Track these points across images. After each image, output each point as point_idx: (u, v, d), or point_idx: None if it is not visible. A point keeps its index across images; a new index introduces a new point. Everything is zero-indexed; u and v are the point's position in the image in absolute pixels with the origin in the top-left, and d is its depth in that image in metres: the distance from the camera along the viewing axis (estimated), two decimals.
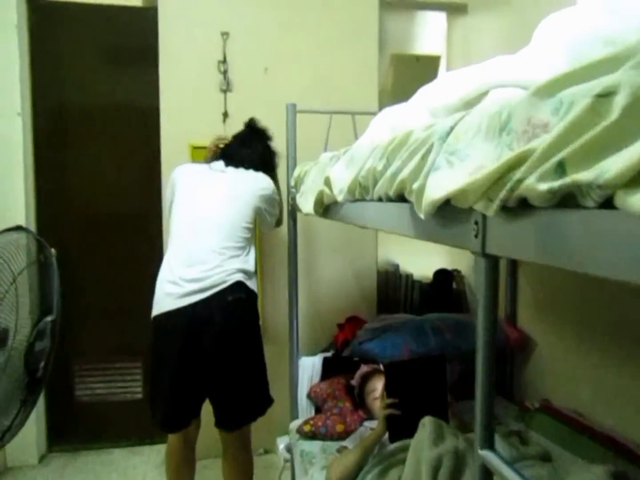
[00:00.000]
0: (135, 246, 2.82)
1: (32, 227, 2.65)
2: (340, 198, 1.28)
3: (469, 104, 1.07)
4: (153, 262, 2.73)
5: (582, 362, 2.05)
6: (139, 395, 2.87)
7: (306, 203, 1.70)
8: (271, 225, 2.23)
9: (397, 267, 2.95)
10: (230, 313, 1.83)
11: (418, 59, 2.87)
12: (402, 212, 0.91)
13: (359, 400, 2.18)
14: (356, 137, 2.40)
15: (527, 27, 2.48)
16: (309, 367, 2.38)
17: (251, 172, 2.12)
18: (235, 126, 2.64)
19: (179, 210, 1.98)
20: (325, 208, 1.52)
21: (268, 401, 2.01)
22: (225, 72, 2.68)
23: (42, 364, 1.40)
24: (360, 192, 1.15)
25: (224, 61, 2.68)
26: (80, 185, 2.79)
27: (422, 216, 0.76)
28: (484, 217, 0.63)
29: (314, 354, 2.59)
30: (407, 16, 2.95)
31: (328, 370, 2.39)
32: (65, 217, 2.79)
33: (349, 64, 2.79)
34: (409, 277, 2.93)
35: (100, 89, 2.77)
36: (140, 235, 2.83)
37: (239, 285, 1.87)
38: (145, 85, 2.72)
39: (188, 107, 2.68)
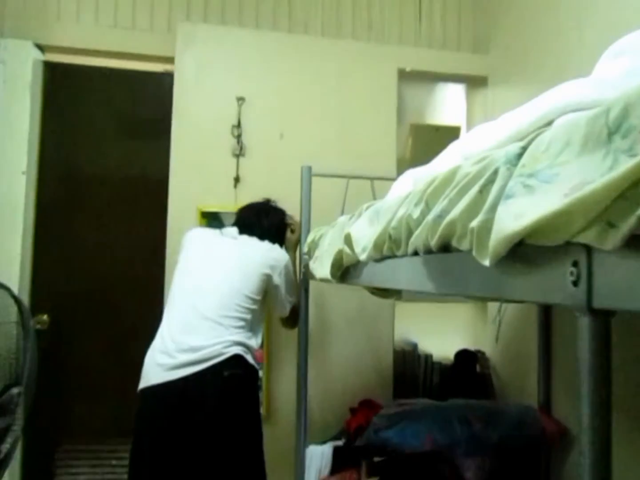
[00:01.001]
0: (136, 318, 2.63)
1: (26, 291, 2.48)
2: (363, 257, 1.11)
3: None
4: (153, 335, 2.56)
5: (632, 464, 1.77)
6: None
7: (321, 267, 1.52)
8: (285, 310, 2.04)
9: (415, 346, 2.72)
10: (225, 391, 1.62)
11: (437, 129, 2.79)
12: (451, 263, 0.73)
13: None
14: None
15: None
16: (318, 457, 2.11)
17: (266, 242, 1.97)
18: (247, 191, 2.54)
19: (179, 276, 1.82)
20: (344, 271, 1.34)
21: None
22: (239, 137, 2.59)
23: (4, 445, 1.19)
24: (390, 246, 0.98)
25: (239, 126, 2.60)
26: (83, 253, 2.65)
27: (486, 262, 0.58)
28: (589, 254, 0.45)
29: (322, 441, 2.32)
30: (427, 87, 2.91)
31: (339, 461, 2.11)
32: (65, 284, 2.62)
33: (366, 133, 2.71)
34: (428, 357, 2.69)
35: (112, 157, 2.70)
36: (143, 305, 2.64)
37: (236, 359, 1.67)
38: (159, 156, 2.63)
39: (198, 172, 2.57)
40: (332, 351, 2.62)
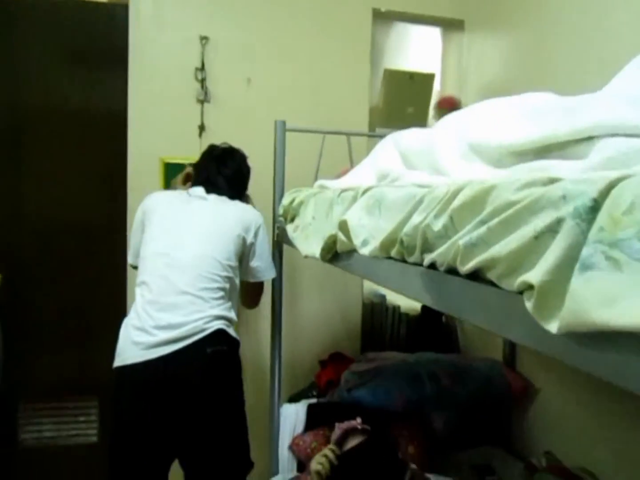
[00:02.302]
0: (97, 265, 2.49)
1: None
2: (364, 251, 1.05)
3: (547, 150, 0.86)
4: (117, 285, 2.44)
5: (596, 417, 1.87)
6: (94, 439, 2.54)
7: (307, 244, 1.46)
8: (257, 277, 1.92)
9: (383, 298, 2.73)
10: (209, 369, 1.56)
11: (412, 76, 2.67)
12: (486, 295, 0.68)
13: None
14: (351, 160, 2.19)
15: (527, 46, 2.34)
16: (292, 415, 2.12)
17: (237, 203, 1.87)
18: (213, 141, 2.38)
19: (150, 246, 1.69)
20: (335, 254, 1.28)
21: (248, 465, 1.74)
22: (203, 81, 2.40)
23: None
24: (400, 251, 0.92)
25: (202, 69, 2.40)
26: (36, 193, 2.43)
27: (551, 328, 0.53)
28: None
29: (294, 396, 2.34)
30: (401, 30, 2.75)
31: (313, 418, 2.14)
32: (16, 230, 2.43)
33: (338, 77, 2.57)
34: (396, 309, 2.71)
35: (61, 89, 2.43)
36: (102, 257, 2.50)
37: (219, 335, 1.60)
38: (112, 89, 2.41)
39: (160, 118, 2.39)
40: (301, 306, 2.61)
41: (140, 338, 1.54)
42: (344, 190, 1.33)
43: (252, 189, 2.20)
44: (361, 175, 1.65)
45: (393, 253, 0.94)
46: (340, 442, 1.89)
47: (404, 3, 2.63)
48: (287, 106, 2.48)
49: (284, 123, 2.02)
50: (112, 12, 2.43)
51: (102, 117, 2.45)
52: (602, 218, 0.50)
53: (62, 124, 2.44)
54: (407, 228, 0.88)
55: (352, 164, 2.14)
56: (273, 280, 2.07)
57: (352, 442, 1.88)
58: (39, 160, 2.42)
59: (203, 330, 1.56)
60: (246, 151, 2.16)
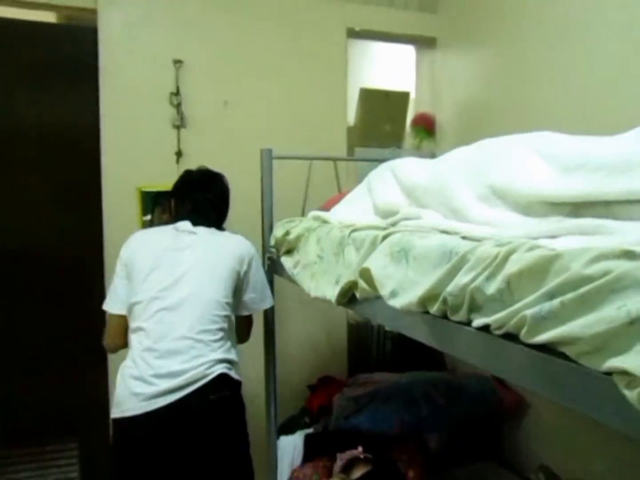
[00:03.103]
0: (71, 295, 2.35)
1: None
2: (395, 304, 1.02)
3: (590, 205, 0.86)
4: (89, 318, 2.32)
5: (591, 429, 1.91)
6: None
7: (315, 284, 1.42)
8: (250, 309, 1.83)
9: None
10: (213, 417, 1.50)
11: (387, 94, 2.68)
12: (563, 370, 0.67)
13: None
14: (339, 186, 2.17)
15: (498, 64, 2.38)
16: (290, 447, 2.09)
17: (226, 234, 1.81)
18: (191, 167, 2.32)
19: (141, 291, 1.58)
20: (351, 298, 1.26)
21: None
22: (178, 106, 2.33)
23: None
24: (442, 309, 0.90)
25: (177, 93, 2.33)
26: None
27: None
28: None
29: (286, 422, 2.29)
30: (377, 49, 2.76)
31: (311, 449, 2.10)
32: None
33: (315, 97, 2.54)
34: (380, 328, 2.71)
35: (26, 111, 2.30)
36: (78, 285, 2.36)
37: (222, 379, 1.53)
38: (82, 112, 2.29)
39: (135, 145, 2.30)
40: (287, 330, 2.56)
41: (139, 389, 1.47)
42: (354, 230, 1.31)
43: (235, 216, 2.15)
44: (359, 208, 1.63)
45: (433, 310, 0.92)
46: (345, 472, 1.87)
47: (378, 22, 2.63)
48: (265, 128, 2.44)
49: (270, 151, 1.98)
50: (80, 34, 2.32)
51: (73, 142, 2.34)
52: None
53: (27, 148, 2.31)
54: (451, 287, 0.86)
55: (339, 189, 2.12)
56: (265, 313, 2.02)
57: (358, 473, 1.87)
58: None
59: (205, 376, 1.50)
60: (227, 176, 2.11)
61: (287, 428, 2.26)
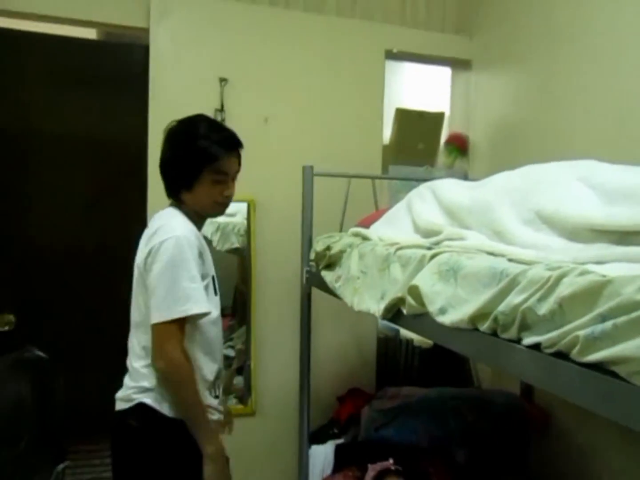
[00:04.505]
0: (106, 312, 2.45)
1: None
2: (444, 320, 1.08)
3: (636, 234, 0.92)
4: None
5: (620, 449, 1.93)
6: None
7: (358, 298, 1.48)
8: (152, 318, 1.39)
9: (397, 331, 2.77)
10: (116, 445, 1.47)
11: (422, 115, 2.75)
12: (617, 389, 0.72)
13: None
14: (376, 204, 2.23)
15: (530, 85, 2.43)
16: (321, 456, 2.14)
17: (160, 215, 1.55)
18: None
19: None
20: (396, 313, 1.32)
21: None
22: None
23: None
24: (492, 327, 0.96)
25: (222, 109, 2.43)
26: (43, 227, 2.39)
27: None
28: None
29: (315, 433, 2.35)
30: (412, 69, 2.83)
31: (341, 459, 2.15)
32: (24, 277, 2.39)
33: (353, 116, 2.61)
34: (409, 342, 2.75)
35: (73, 117, 2.44)
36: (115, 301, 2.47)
37: (136, 410, 1.43)
38: (132, 126, 2.42)
39: None
40: (317, 341, 2.61)
41: None
42: (400, 248, 1.37)
43: (278, 231, 2.26)
44: (399, 226, 1.70)
45: (483, 327, 0.98)
46: None
47: (415, 44, 2.71)
48: (303, 145, 2.52)
49: (311, 168, 2.06)
50: (132, 51, 2.44)
51: (122, 152, 2.46)
52: None
53: (76, 153, 2.44)
54: (503, 307, 0.92)
55: (377, 207, 2.19)
56: (302, 324, 2.09)
57: None
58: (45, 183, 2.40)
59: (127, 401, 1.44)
60: (266, 191, 2.22)
61: (318, 438, 2.32)
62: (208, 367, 1.49)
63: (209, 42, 2.43)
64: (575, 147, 2.10)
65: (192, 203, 1.51)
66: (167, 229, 1.41)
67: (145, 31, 2.36)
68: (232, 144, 1.58)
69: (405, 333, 2.79)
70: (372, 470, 1.97)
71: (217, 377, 1.53)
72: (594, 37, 2.03)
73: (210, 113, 2.41)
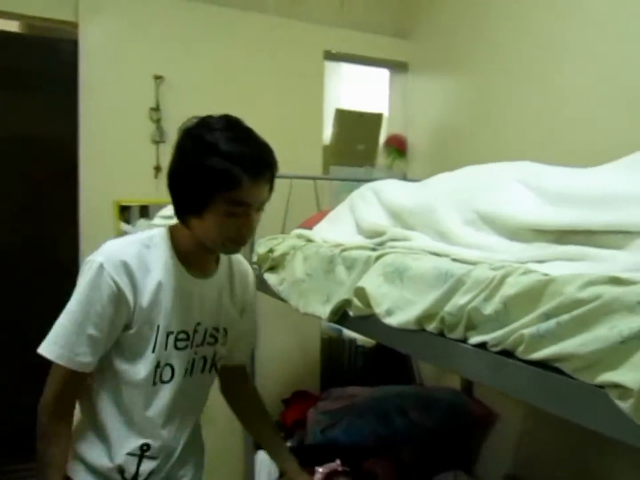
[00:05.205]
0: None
1: None
2: (392, 321, 1.08)
3: (573, 233, 0.95)
4: None
5: (554, 438, 2.01)
6: None
7: (304, 302, 1.46)
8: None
9: (340, 331, 2.78)
10: None
11: (361, 115, 2.77)
12: (559, 384, 0.74)
13: None
14: (318, 204, 2.23)
15: (466, 88, 2.49)
16: (266, 462, 2.10)
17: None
18: None
19: None
20: (342, 315, 1.31)
21: None
22: (158, 121, 2.35)
23: None
24: (439, 327, 0.97)
25: (157, 109, 2.35)
26: None
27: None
28: None
29: None
30: (354, 71, 2.85)
31: None
32: None
33: (293, 117, 2.60)
34: (352, 342, 2.77)
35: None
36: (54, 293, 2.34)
37: None
38: (61, 122, 2.29)
39: (114, 159, 2.30)
40: (261, 344, 2.59)
41: None
42: (344, 250, 1.36)
43: None
44: (342, 227, 1.69)
45: (430, 328, 0.99)
46: None
47: (353, 45, 2.72)
48: None
49: None
50: (60, 46, 2.32)
51: (50, 151, 2.34)
52: None
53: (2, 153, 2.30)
54: (449, 307, 0.93)
55: (319, 208, 2.18)
56: None
57: None
58: None
59: None
60: None
61: None
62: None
63: (143, 38, 2.34)
64: (510, 148, 2.17)
65: (200, 233, 1.17)
66: (100, 249, 1.16)
67: (74, 25, 2.25)
68: (259, 166, 1.16)
69: (348, 333, 2.80)
70: (320, 472, 1.96)
71: (142, 455, 1.24)
72: (531, 42, 2.10)
73: (144, 112, 2.34)
